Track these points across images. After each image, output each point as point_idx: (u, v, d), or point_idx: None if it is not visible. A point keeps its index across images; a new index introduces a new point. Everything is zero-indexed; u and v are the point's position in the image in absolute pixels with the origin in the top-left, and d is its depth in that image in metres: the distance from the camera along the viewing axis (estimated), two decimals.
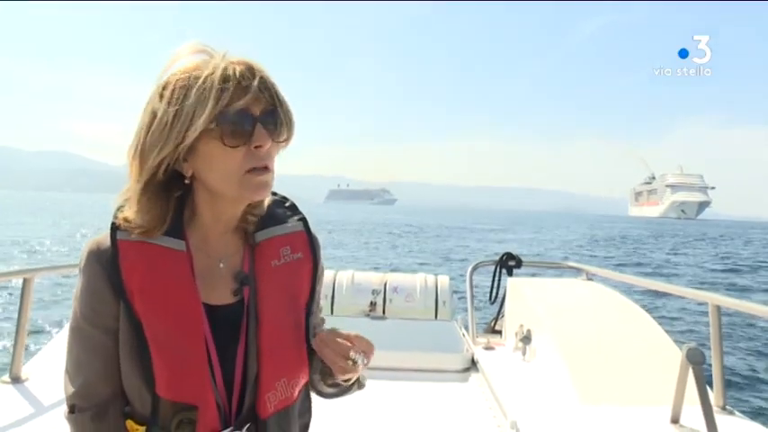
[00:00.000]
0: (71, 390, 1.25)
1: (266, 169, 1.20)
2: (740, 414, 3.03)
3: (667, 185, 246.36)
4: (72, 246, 27.05)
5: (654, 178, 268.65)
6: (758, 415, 6.40)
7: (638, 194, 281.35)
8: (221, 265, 1.30)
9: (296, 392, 1.32)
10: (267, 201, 1.36)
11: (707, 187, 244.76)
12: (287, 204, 1.42)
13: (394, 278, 5.17)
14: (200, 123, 1.13)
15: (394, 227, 63.28)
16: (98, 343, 1.23)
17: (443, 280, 5.20)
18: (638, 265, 28.69)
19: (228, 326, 1.27)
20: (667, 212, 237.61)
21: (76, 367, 1.25)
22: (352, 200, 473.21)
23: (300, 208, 1.45)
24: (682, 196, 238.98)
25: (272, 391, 1.27)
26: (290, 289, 1.34)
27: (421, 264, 24.50)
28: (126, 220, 1.22)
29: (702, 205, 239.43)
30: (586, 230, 60.75)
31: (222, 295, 1.28)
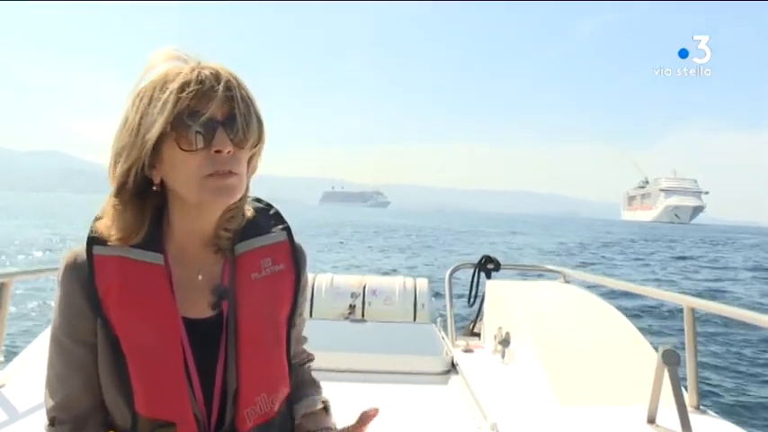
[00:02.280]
0: (51, 402, 1.25)
1: (228, 174, 1.16)
2: (713, 413, 3.05)
3: (661, 190, 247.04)
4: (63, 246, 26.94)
5: (647, 182, 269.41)
6: (730, 414, 6.48)
7: (631, 198, 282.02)
8: (200, 277, 1.28)
9: (276, 407, 1.31)
10: (249, 211, 1.34)
11: (701, 192, 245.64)
12: (271, 212, 1.40)
13: (373, 281, 5.17)
14: (156, 128, 1.12)
15: (383, 230, 63.11)
16: (78, 357, 1.23)
17: (422, 283, 5.21)
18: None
19: (207, 340, 1.25)
20: (661, 217, 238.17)
21: (57, 381, 1.25)
22: (346, 202, 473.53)
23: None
24: (675, 200, 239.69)
25: (252, 407, 1.26)
26: (271, 302, 1.32)
27: (409, 267, 24.44)
28: (100, 229, 1.22)
29: (696, 210, 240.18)
30: (574, 237, 60.87)
31: (201, 309, 1.27)
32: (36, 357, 3.29)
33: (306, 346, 1.56)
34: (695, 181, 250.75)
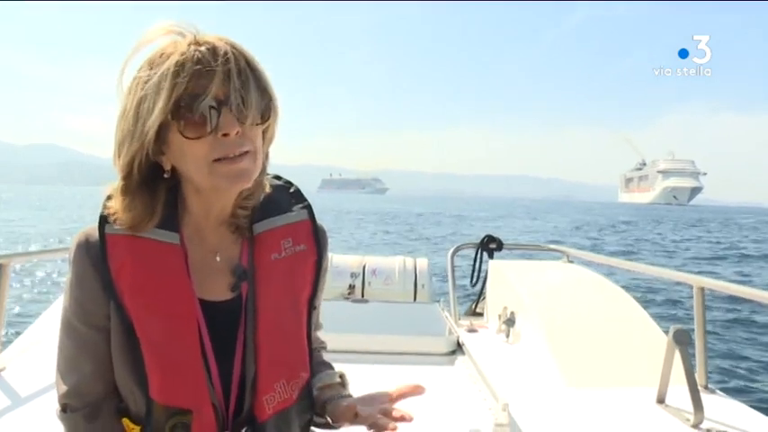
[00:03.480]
0: (63, 389, 1.19)
1: (239, 157, 1.09)
2: (722, 393, 3.04)
3: (659, 171, 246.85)
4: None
5: (645, 164, 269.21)
6: (737, 393, 6.46)
7: (628, 180, 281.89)
8: (218, 258, 1.23)
9: (296, 394, 1.25)
10: (268, 187, 1.27)
11: (699, 173, 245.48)
12: (291, 190, 1.33)
13: (372, 261, 5.15)
14: (153, 118, 1.06)
15: (381, 216, 63.08)
16: (90, 341, 1.17)
17: (422, 262, 5.18)
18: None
19: (226, 323, 1.20)
20: (658, 198, 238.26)
21: (69, 366, 1.19)
22: (345, 189, 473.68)
23: None
24: (673, 182, 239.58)
25: (271, 393, 1.21)
26: (292, 284, 1.27)
27: (409, 252, 24.43)
28: (114, 213, 1.16)
29: (694, 191, 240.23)
30: (575, 217, 60.97)
31: (219, 291, 1.21)
32: (36, 341, 3.26)
33: None
34: (693, 162, 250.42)
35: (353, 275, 4.95)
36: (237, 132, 1.08)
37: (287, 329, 1.25)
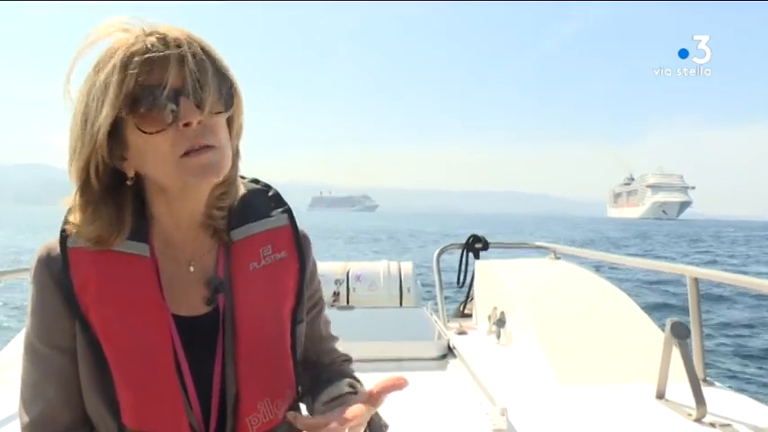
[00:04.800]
0: (26, 420, 1.09)
1: (205, 148, 1.01)
2: (720, 385, 2.97)
3: (648, 186, 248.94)
4: None
5: (633, 179, 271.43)
6: (734, 385, 6.37)
7: (617, 196, 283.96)
8: (191, 269, 1.15)
9: (281, 412, 1.16)
10: (242, 190, 1.19)
11: (687, 187, 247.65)
12: (270, 194, 1.25)
13: (356, 266, 5.06)
14: (103, 116, 0.99)
15: (369, 234, 63.08)
16: (55, 365, 1.09)
17: (407, 266, 5.11)
18: None
19: (202, 340, 1.13)
20: (648, 213, 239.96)
21: (32, 393, 1.10)
22: (335, 207, 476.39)
23: None
24: (662, 197, 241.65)
25: (254, 414, 1.13)
26: (273, 295, 1.18)
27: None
28: (77, 227, 1.07)
29: (683, 205, 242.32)
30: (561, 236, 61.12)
31: (194, 305, 1.14)
32: (7, 366, 3.10)
33: None
34: (681, 176, 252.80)
35: (338, 282, 4.87)
36: (200, 122, 1.00)
37: (269, 344, 1.16)
